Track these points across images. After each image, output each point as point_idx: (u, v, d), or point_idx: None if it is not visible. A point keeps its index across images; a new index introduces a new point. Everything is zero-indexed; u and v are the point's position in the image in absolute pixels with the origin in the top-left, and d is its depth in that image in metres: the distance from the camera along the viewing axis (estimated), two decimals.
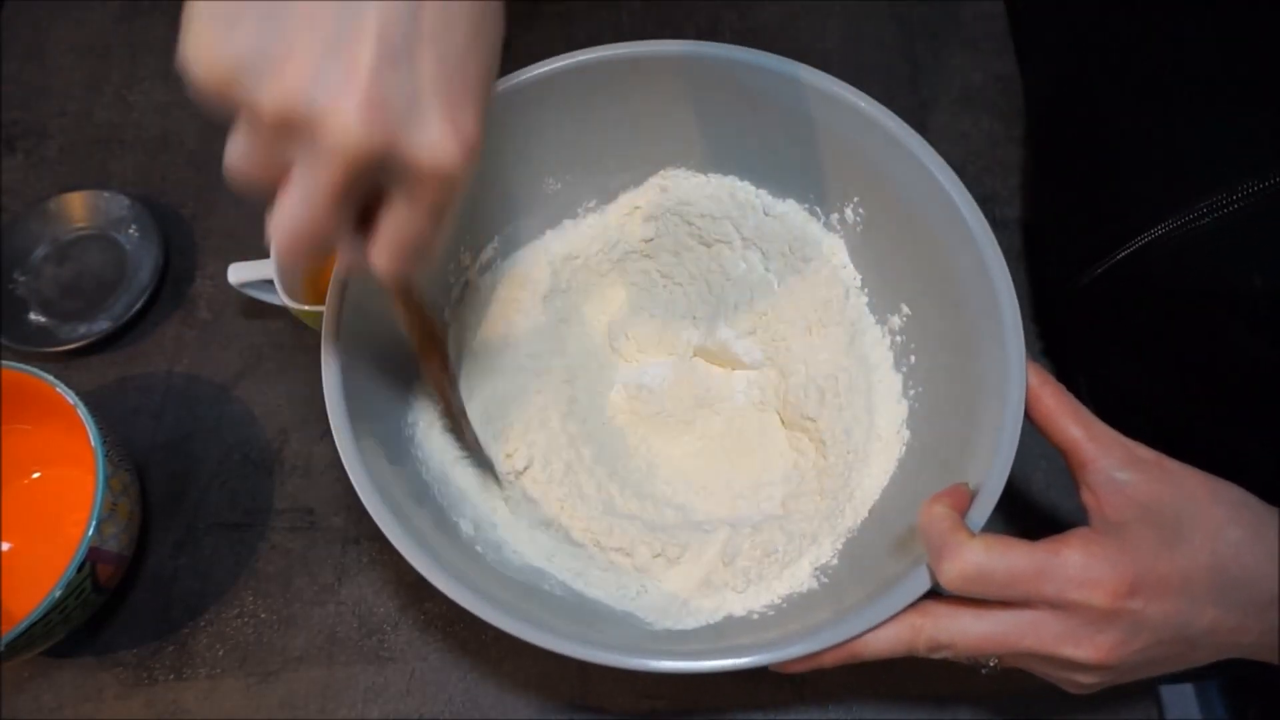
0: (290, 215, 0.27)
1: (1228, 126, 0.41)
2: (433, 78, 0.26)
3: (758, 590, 0.41)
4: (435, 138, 0.26)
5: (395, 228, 0.28)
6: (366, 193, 0.27)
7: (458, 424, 0.44)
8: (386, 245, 0.29)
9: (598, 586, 0.42)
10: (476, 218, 0.47)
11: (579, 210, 0.50)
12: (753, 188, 0.48)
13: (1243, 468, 0.35)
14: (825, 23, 0.64)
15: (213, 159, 0.60)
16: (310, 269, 0.28)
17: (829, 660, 0.34)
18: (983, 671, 0.35)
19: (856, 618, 0.33)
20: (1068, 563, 0.31)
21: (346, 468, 0.36)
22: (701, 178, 0.49)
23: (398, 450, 0.42)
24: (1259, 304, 0.38)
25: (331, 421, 0.37)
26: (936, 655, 0.34)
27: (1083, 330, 0.50)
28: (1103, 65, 0.48)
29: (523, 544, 0.43)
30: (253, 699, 0.46)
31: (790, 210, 0.48)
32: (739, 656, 0.33)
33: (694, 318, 0.51)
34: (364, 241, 0.29)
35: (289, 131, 0.25)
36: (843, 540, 0.42)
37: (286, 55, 0.24)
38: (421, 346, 0.40)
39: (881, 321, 0.46)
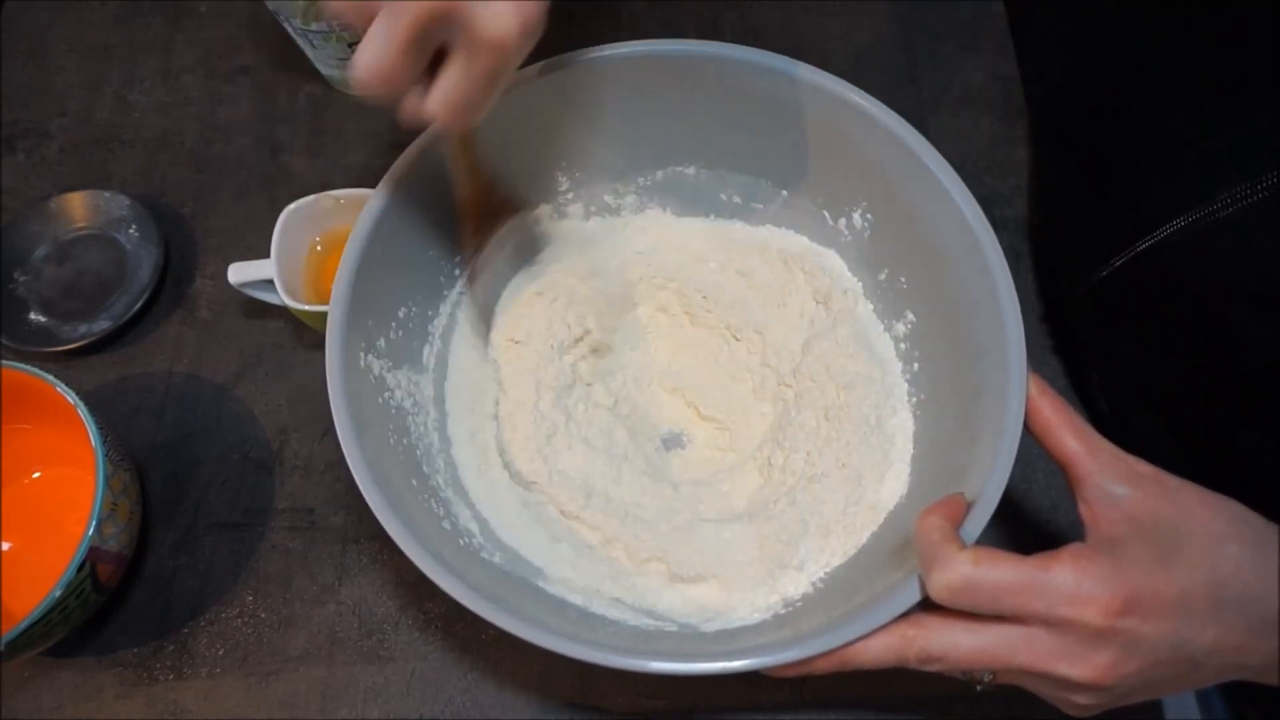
0: (368, 53, 0.32)
1: (1249, 118, 0.39)
2: None
3: (756, 595, 0.41)
4: (498, 8, 0.31)
5: (449, 85, 0.33)
6: (437, 46, 0.32)
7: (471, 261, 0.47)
8: (439, 98, 0.34)
9: (595, 590, 0.42)
10: (484, 206, 0.47)
11: (589, 211, 0.51)
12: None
13: (1259, 465, 0.34)
14: (825, 22, 0.64)
15: (213, 159, 0.60)
16: (386, 103, 0.34)
17: (820, 667, 0.34)
18: (977, 688, 0.34)
19: (848, 626, 0.33)
20: (1057, 578, 0.30)
21: (349, 463, 0.36)
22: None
23: (400, 448, 0.42)
24: None
25: (335, 417, 0.37)
26: (929, 668, 0.33)
27: (1096, 326, 0.50)
28: (1114, 61, 0.47)
29: (525, 543, 0.43)
30: (253, 699, 0.46)
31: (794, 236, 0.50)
32: (731, 660, 0.33)
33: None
34: (425, 91, 0.34)
35: None
36: (843, 547, 0.42)
37: None
38: (466, 187, 0.44)
39: (888, 328, 0.47)
